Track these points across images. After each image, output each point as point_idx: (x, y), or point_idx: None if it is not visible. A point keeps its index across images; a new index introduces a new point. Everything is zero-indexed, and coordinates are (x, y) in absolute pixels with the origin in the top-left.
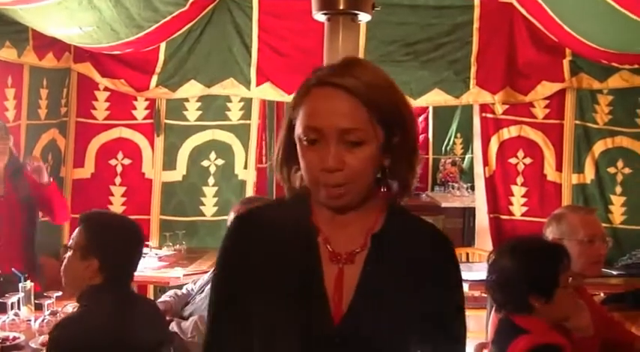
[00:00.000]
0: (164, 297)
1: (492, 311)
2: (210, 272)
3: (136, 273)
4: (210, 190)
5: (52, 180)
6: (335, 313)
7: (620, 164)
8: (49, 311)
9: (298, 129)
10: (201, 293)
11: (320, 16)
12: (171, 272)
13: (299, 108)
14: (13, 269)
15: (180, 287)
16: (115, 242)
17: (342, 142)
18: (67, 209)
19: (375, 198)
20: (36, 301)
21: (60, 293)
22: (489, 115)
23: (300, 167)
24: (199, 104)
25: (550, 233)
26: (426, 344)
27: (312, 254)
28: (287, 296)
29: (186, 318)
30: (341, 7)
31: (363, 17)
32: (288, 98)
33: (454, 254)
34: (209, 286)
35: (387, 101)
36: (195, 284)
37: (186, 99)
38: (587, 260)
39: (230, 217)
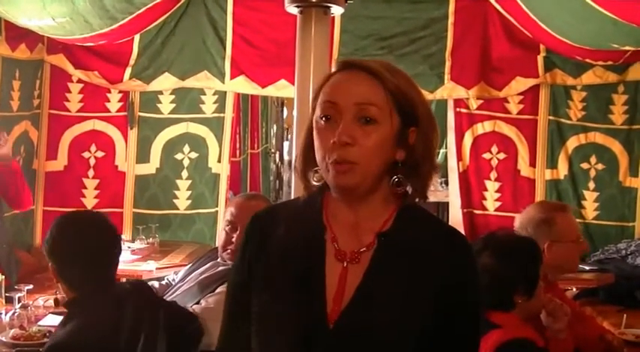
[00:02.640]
0: None
1: None
2: (191, 263)
3: None
4: (183, 183)
5: (15, 160)
6: (333, 311)
7: (593, 160)
8: (20, 304)
9: (316, 112)
10: (183, 283)
11: (292, 9)
12: (144, 266)
13: (319, 95)
14: None
15: (160, 279)
16: (69, 247)
17: (357, 119)
18: (27, 194)
19: (388, 196)
20: (6, 294)
21: (31, 287)
22: (463, 110)
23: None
24: (173, 97)
25: (542, 238)
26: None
27: (317, 251)
28: (286, 293)
29: None
30: (313, 0)
31: (336, 10)
32: (263, 91)
33: (472, 257)
34: (192, 276)
35: (407, 91)
36: (176, 275)
37: (160, 92)
38: (576, 257)
39: (230, 211)
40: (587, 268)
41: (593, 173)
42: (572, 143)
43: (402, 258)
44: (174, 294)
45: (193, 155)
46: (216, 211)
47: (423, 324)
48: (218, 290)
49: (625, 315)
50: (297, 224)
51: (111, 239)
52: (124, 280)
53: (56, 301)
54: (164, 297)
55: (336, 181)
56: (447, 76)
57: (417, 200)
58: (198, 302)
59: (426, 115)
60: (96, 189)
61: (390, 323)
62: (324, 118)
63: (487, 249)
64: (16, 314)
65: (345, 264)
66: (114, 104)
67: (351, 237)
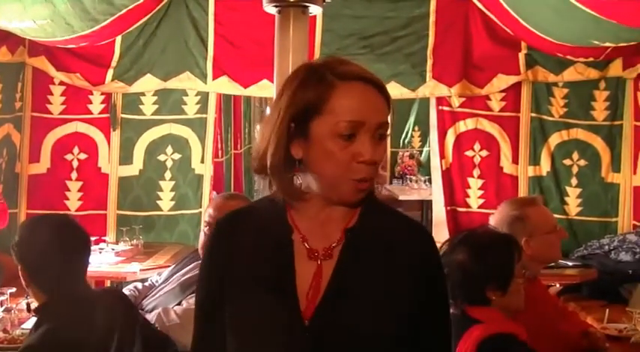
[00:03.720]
0: (124, 291)
1: None
2: (174, 264)
3: (93, 269)
4: (167, 184)
5: None
6: (308, 309)
7: (575, 156)
8: (3, 307)
9: (328, 124)
10: (166, 285)
11: (270, 9)
12: (128, 268)
13: (320, 105)
14: None
15: (143, 281)
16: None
17: (374, 137)
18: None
19: None
20: None
21: (14, 290)
22: (446, 108)
23: (292, 173)
24: (155, 98)
25: (519, 234)
26: (410, 338)
27: (285, 252)
28: (258, 296)
29: (149, 311)
30: (291, 0)
31: (314, 9)
32: (245, 92)
33: (434, 245)
34: (174, 277)
35: (393, 105)
36: (160, 276)
37: (143, 94)
38: (557, 246)
39: (209, 212)
40: (570, 264)
41: (575, 169)
42: (554, 139)
43: (370, 251)
44: (157, 295)
45: (176, 156)
46: (200, 212)
47: (399, 314)
48: None
49: (607, 310)
50: (262, 227)
51: (80, 241)
52: (107, 283)
53: (28, 306)
54: (147, 298)
55: (355, 197)
56: (428, 75)
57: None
58: (179, 303)
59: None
60: (79, 191)
61: (365, 315)
62: (344, 136)
63: (462, 245)
64: None
65: (319, 262)
66: (96, 106)
67: (320, 236)
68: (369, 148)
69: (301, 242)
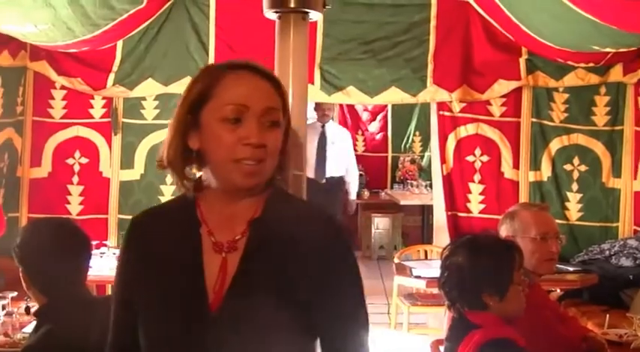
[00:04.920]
0: None
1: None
2: None
3: (94, 273)
4: (168, 189)
5: None
6: (215, 300)
7: (576, 161)
8: (5, 311)
9: (214, 110)
10: None
11: (271, 14)
12: None
13: (208, 93)
14: None
15: None
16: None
17: (263, 121)
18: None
19: (262, 188)
20: None
21: (15, 294)
22: (447, 113)
23: (190, 166)
24: (157, 102)
25: (504, 230)
26: (321, 326)
27: (193, 246)
28: (170, 289)
29: None
30: (292, 5)
31: (314, 15)
32: None
33: (339, 233)
34: None
35: (287, 96)
36: None
37: (144, 98)
38: (541, 257)
39: None
40: (571, 269)
41: (576, 174)
42: (554, 145)
43: (274, 241)
44: None
45: None
46: None
47: (303, 302)
48: None
49: (608, 315)
50: (173, 223)
51: (81, 244)
52: (109, 288)
53: (27, 309)
54: None
55: (245, 180)
56: (429, 80)
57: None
58: None
59: (289, 118)
60: (80, 195)
61: (269, 304)
62: (230, 121)
63: (462, 248)
64: (0, 322)
65: (223, 255)
66: (97, 110)
67: (227, 229)
68: (254, 131)
69: (208, 236)
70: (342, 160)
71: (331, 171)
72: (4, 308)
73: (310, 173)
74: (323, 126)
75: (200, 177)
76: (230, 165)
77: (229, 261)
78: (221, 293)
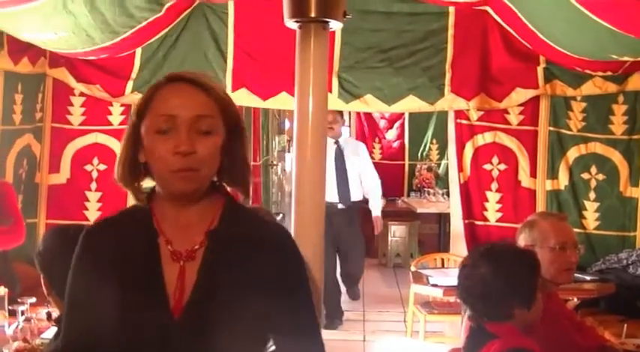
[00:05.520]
0: None
1: (465, 318)
2: None
3: None
4: None
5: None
6: (176, 308)
7: (593, 170)
8: (23, 317)
9: (150, 123)
10: None
11: (292, 24)
12: None
13: (147, 107)
14: None
15: None
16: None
17: (194, 130)
18: (9, 243)
19: (213, 197)
20: (10, 307)
21: (34, 300)
22: (464, 122)
23: (142, 178)
24: None
25: (523, 240)
26: (275, 334)
27: (152, 255)
28: (130, 296)
29: None
30: (312, 15)
31: (334, 25)
32: (264, 104)
33: (292, 243)
34: None
35: (230, 103)
36: None
37: None
38: (559, 267)
39: None
40: (588, 278)
41: (593, 183)
42: (572, 153)
43: (232, 252)
44: None
45: None
46: None
47: (259, 310)
48: None
49: (626, 325)
50: (130, 233)
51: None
52: None
53: (49, 315)
54: None
55: (180, 188)
56: (447, 88)
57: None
58: None
59: (241, 122)
60: (98, 201)
61: (230, 312)
62: (159, 132)
63: (484, 259)
64: (19, 327)
65: (181, 263)
66: (116, 117)
67: (184, 238)
68: (182, 139)
69: (165, 244)
70: (364, 179)
71: (355, 194)
72: (22, 313)
73: (332, 196)
74: (337, 142)
75: (154, 188)
76: (167, 175)
77: (187, 269)
78: (182, 302)
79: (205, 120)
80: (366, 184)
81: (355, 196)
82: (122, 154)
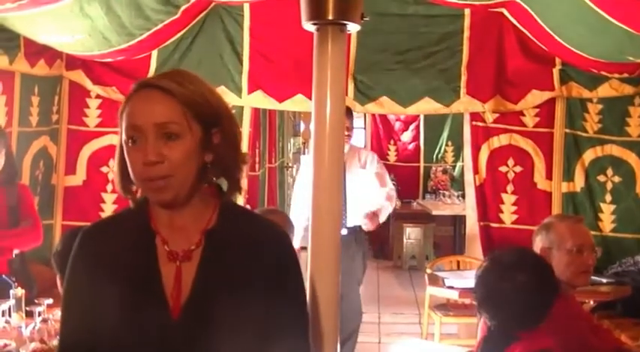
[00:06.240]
0: None
1: (482, 320)
2: None
3: None
4: None
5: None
6: (174, 309)
7: (609, 172)
8: (40, 318)
9: (123, 134)
10: None
11: (309, 26)
12: None
13: (121, 117)
14: (3, 275)
15: None
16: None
17: (160, 137)
18: (27, 244)
19: (207, 197)
20: (27, 308)
21: (51, 301)
22: (480, 124)
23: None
24: None
25: (539, 242)
26: (269, 334)
27: (149, 255)
28: (128, 298)
29: None
30: (330, 18)
31: (352, 27)
32: (280, 106)
33: (289, 245)
34: None
35: (201, 99)
36: None
37: None
38: (576, 269)
39: None
40: (604, 281)
41: (609, 185)
42: (588, 156)
43: (229, 251)
44: None
45: None
46: None
47: (258, 309)
48: None
49: None
50: (127, 234)
51: None
52: None
53: None
54: None
55: (155, 197)
56: (462, 90)
57: (233, 194)
58: None
59: (225, 114)
60: (114, 203)
61: (228, 311)
62: (130, 141)
63: (521, 267)
64: (36, 328)
65: (178, 263)
66: None
67: (181, 238)
68: (148, 148)
69: (162, 244)
70: (371, 196)
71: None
72: (39, 314)
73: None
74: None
75: None
76: (142, 184)
77: (184, 269)
78: (179, 302)
79: (170, 126)
80: (375, 202)
81: (355, 220)
82: (116, 164)
